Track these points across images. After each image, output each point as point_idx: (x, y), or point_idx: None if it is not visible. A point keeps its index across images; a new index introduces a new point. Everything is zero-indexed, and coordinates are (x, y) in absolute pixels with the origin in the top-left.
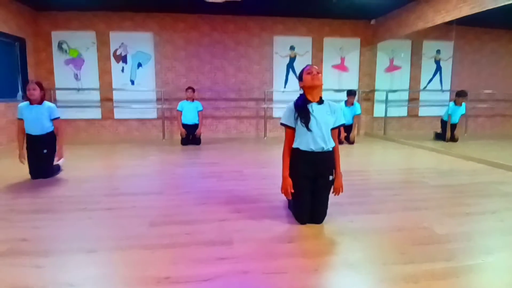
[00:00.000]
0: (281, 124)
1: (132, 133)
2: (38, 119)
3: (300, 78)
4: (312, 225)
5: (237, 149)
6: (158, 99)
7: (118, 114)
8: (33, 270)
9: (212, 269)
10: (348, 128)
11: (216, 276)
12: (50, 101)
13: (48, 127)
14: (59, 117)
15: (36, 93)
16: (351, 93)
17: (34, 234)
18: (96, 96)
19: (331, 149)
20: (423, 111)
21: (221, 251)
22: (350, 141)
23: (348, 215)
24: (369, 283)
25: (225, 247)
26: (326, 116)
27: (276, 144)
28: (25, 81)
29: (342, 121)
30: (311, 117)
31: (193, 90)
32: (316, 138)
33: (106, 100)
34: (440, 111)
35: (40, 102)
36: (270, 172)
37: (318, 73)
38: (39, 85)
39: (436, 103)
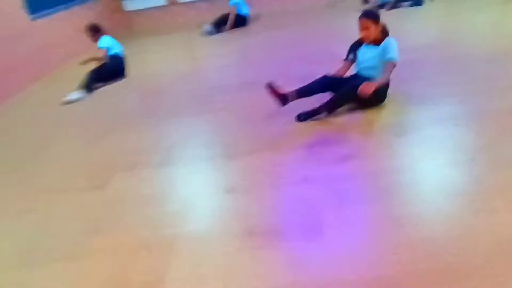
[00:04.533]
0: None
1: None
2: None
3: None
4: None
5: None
6: None
7: None
8: (194, 175)
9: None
10: None
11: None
12: None
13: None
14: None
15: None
16: None
17: (175, 141)
18: None
19: (374, 78)
20: None
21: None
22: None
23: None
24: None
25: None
26: (370, 54)
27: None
28: None
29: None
30: (358, 54)
31: None
32: (361, 69)
33: None
34: None
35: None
36: None
37: (364, 28)
38: (92, 29)
39: None
